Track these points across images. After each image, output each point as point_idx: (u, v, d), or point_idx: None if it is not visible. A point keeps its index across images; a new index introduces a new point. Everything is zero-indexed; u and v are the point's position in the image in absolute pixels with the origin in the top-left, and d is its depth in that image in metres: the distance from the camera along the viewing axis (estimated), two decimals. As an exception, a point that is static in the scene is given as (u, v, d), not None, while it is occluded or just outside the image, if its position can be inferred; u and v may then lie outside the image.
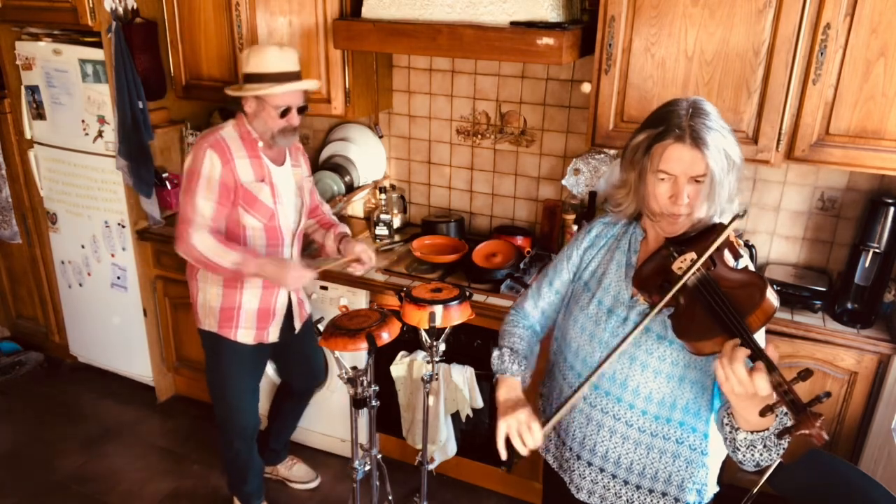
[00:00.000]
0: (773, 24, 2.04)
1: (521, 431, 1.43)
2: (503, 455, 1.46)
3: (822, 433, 1.08)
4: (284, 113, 2.23)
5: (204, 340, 2.48)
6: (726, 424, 1.34)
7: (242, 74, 2.26)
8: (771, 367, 1.16)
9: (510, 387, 1.55)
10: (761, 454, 1.30)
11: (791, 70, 2.06)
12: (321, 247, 2.59)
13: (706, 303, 1.27)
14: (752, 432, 1.28)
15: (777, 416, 1.27)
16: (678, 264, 1.34)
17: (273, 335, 2.48)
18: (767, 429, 1.27)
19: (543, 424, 1.45)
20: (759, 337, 1.38)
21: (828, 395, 1.12)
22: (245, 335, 2.41)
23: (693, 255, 1.32)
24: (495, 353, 1.64)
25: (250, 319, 2.40)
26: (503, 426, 1.45)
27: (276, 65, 2.20)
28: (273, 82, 2.19)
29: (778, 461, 1.85)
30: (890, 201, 2.23)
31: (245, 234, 2.31)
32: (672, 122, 1.33)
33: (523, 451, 1.43)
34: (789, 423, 1.11)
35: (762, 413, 1.16)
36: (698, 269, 1.30)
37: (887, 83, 1.99)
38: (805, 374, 1.13)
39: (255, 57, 2.21)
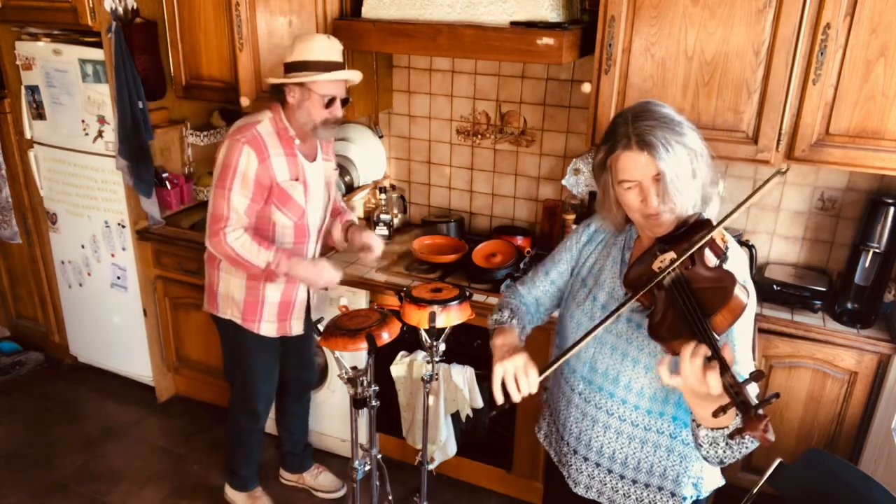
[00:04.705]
0: (773, 25, 2.03)
1: (517, 375, 1.42)
2: (499, 399, 1.44)
3: (767, 435, 1.09)
4: (329, 104, 2.20)
5: (221, 326, 2.49)
6: (692, 420, 1.35)
7: (284, 64, 2.21)
8: (724, 368, 1.16)
9: (507, 334, 1.55)
10: (724, 451, 1.31)
11: (791, 70, 2.06)
12: (327, 234, 2.58)
13: (677, 303, 1.28)
14: (712, 429, 1.30)
15: (737, 415, 1.28)
16: (657, 263, 1.36)
17: (297, 328, 2.50)
18: (727, 427, 1.28)
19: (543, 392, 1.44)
20: (745, 335, 1.40)
21: (776, 395, 1.14)
22: (268, 328, 2.43)
23: (673, 254, 1.34)
24: (494, 312, 1.66)
25: (273, 313, 2.42)
26: (500, 369, 1.44)
27: (323, 53, 2.16)
28: (321, 70, 2.16)
29: (778, 461, 1.87)
30: (890, 201, 2.23)
31: (274, 231, 2.32)
32: (618, 133, 1.36)
33: (516, 397, 1.42)
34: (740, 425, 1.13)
35: (715, 413, 1.17)
36: (674, 269, 1.31)
37: (887, 83, 1.99)
38: (757, 374, 1.15)
39: (302, 44, 2.16)
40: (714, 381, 1.17)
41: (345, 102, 2.26)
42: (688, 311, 1.25)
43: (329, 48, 2.18)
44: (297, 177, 2.28)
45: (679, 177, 1.33)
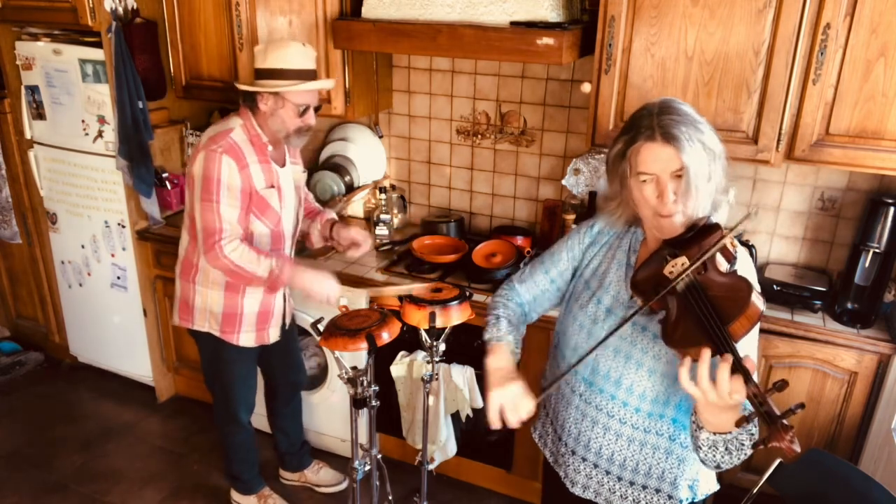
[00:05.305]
0: (773, 24, 2.03)
1: (514, 404, 1.45)
2: (496, 425, 1.46)
3: (793, 447, 1.08)
4: (303, 112, 2.19)
5: (199, 340, 2.47)
6: (693, 421, 1.35)
7: (255, 69, 2.18)
8: (747, 378, 1.15)
9: (503, 355, 1.56)
10: (722, 456, 1.31)
11: (791, 70, 2.06)
12: (305, 237, 2.54)
13: (692, 309, 1.27)
14: (714, 433, 1.29)
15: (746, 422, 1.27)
16: (669, 268, 1.34)
17: (273, 335, 2.48)
18: (730, 432, 1.27)
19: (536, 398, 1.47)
20: (752, 341, 1.39)
21: (801, 406, 1.12)
22: (247, 339, 2.41)
23: (684, 259, 1.32)
24: (491, 319, 1.66)
25: (251, 323, 2.40)
26: (496, 398, 1.46)
27: (298, 61, 2.15)
28: (295, 79, 2.14)
29: (778, 461, 1.87)
30: (890, 201, 2.23)
31: (251, 240, 2.28)
32: (642, 125, 1.35)
33: (513, 425, 1.45)
34: (757, 434, 1.11)
35: (738, 424, 1.16)
36: (688, 275, 1.30)
37: (887, 83, 1.99)
38: (781, 384, 1.13)
39: (276, 52, 2.13)
40: (740, 389, 1.16)
41: (317, 109, 2.26)
42: (704, 318, 1.23)
43: (303, 56, 2.16)
44: (272, 183, 2.26)
45: (698, 175, 1.32)
